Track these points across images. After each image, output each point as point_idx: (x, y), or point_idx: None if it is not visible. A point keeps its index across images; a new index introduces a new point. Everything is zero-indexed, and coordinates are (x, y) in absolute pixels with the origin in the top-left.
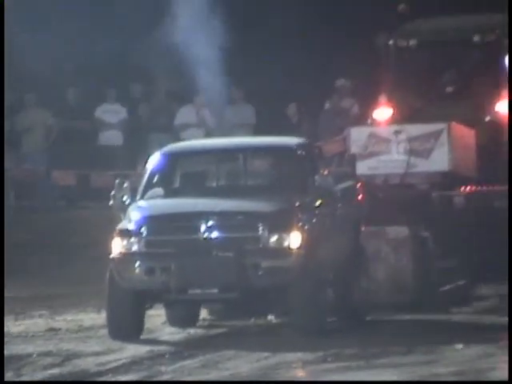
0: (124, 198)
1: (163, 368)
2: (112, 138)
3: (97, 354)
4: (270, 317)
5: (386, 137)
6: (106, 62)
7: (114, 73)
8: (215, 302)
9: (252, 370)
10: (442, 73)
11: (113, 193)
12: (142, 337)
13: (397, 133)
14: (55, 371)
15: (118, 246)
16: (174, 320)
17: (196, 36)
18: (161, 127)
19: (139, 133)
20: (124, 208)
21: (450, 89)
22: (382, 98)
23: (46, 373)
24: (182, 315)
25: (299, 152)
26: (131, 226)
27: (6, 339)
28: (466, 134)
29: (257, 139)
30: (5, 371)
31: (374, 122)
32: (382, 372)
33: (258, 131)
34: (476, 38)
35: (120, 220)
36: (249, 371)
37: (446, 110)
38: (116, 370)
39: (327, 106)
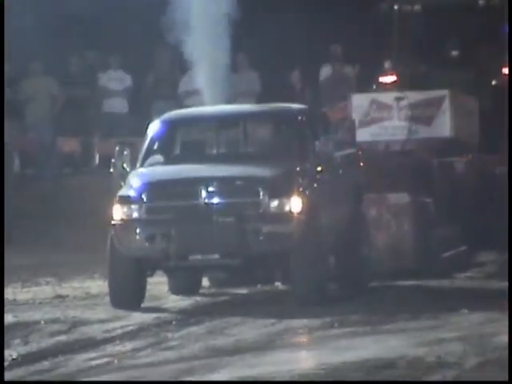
0: (124, 166)
1: (170, 334)
2: (117, 105)
3: (103, 320)
4: (277, 283)
5: (387, 103)
6: (110, 29)
7: (117, 40)
8: (216, 268)
9: (258, 336)
10: (447, 38)
11: (113, 160)
12: (148, 304)
13: (398, 99)
14: (62, 338)
15: (118, 213)
16: (176, 288)
17: (200, 3)
18: (165, 95)
19: (144, 100)
20: (124, 175)
21: (454, 54)
22: (387, 64)
23: (53, 339)
24: (184, 283)
25: (299, 118)
26: (132, 193)
27: (13, 306)
28: (468, 102)
29: (257, 106)
30: (12, 339)
31: (379, 88)
32: (388, 337)
33: (262, 99)
34: (480, 2)
35: (120, 187)
36: (255, 337)
37: (450, 75)
38: (123, 336)
39: (327, 71)
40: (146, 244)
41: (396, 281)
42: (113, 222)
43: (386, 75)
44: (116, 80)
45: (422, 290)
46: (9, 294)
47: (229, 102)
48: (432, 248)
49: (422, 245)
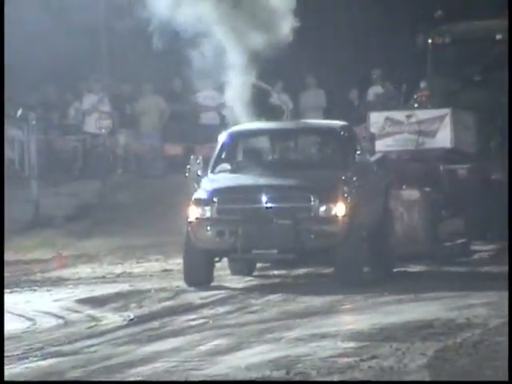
0: (198, 172)
1: (253, 301)
2: (211, 118)
3: (200, 290)
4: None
5: (399, 120)
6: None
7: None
8: (274, 260)
9: (323, 304)
10: (471, 64)
11: (188, 167)
12: (234, 277)
13: (408, 117)
14: (168, 303)
15: (193, 213)
16: (234, 270)
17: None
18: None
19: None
20: (197, 179)
21: (477, 77)
22: (423, 84)
23: (161, 304)
24: (242, 267)
25: (342, 133)
26: (205, 196)
27: (129, 278)
28: (466, 118)
29: (306, 122)
30: (128, 304)
31: (416, 103)
32: (426, 304)
33: (327, 114)
34: (498, 36)
35: (194, 189)
36: (321, 305)
37: (474, 95)
38: (214, 302)
39: (375, 91)
40: (217, 239)
41: (409, 267)
42: (189, 220)
43: (422, 93)
44: (210, 98)
45: (437, 273)
46: (126, 267)
47: (300, 116)
48: (437, 237)
49: (428, 234)
